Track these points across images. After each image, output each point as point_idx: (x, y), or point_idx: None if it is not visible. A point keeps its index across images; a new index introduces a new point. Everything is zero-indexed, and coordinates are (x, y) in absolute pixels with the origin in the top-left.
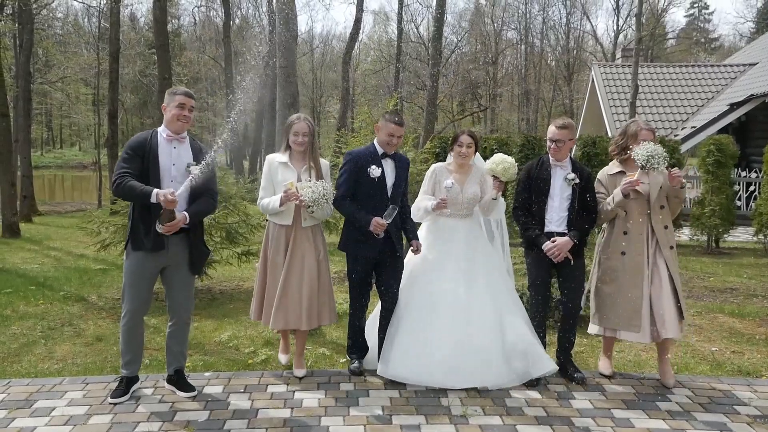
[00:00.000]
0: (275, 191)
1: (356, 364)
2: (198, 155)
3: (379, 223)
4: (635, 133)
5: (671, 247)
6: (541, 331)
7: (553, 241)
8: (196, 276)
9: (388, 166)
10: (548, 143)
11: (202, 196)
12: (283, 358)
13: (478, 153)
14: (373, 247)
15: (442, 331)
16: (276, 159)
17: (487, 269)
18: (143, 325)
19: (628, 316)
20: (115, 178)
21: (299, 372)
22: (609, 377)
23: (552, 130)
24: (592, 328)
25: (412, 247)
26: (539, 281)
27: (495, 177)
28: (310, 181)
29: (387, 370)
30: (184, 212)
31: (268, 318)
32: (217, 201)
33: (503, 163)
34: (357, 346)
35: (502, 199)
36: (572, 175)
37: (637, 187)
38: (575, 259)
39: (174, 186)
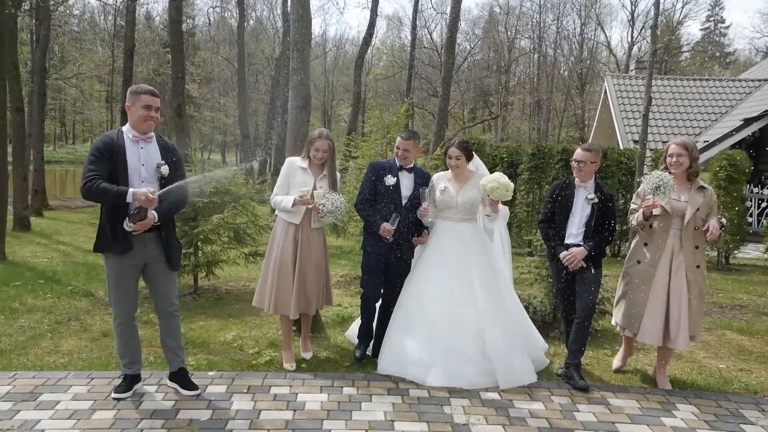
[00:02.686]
0: (289, 191)
1: (360, 350)
2: (166, 152)
3: (386, 229)
4: (666, 150)
5: (698, 266)
6: (565, 332)
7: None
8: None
9: (406, 178)
10: (573, 163)
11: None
12: (288, 366)
13: (479, 159)
14: (385, 244)
15: (427, 330)
16: (297, 163)
17: (483, 273)
18: (136, 324)
19: (630, 318)
20: (84, 180)
21: (306, 354)
22: (621, 371)
23: (577, 151)
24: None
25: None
26: (561, 287)
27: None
28: (322, 188)
29: (379, 366)
30: (153, 212)
31: (274, 307)
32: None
33: (493, 182)
34: (366, 328)
35: (505, 210)
36: (591, 195)
37: (665, 206)
38: (592, 268)
39: (145, 186)
